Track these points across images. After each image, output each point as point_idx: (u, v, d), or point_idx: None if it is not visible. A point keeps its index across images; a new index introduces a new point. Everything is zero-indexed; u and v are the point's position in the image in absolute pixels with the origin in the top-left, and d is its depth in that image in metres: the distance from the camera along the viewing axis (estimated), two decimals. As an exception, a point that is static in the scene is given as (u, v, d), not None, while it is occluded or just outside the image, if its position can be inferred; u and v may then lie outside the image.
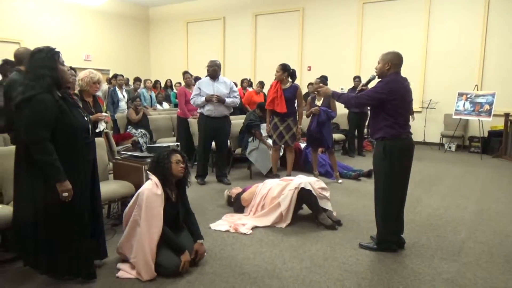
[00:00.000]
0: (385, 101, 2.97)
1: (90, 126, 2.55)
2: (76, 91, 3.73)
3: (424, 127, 8.88)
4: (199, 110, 5.27)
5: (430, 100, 8.77)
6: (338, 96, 3.32)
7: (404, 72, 3.17)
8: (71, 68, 3.86)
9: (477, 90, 8.14)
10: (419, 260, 3.02)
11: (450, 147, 8.50)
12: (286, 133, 5.24)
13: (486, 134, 8.10)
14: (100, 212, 2.80)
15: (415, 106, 8.62)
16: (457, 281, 2.71)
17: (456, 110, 8.10)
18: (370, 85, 3.34)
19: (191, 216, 3.04)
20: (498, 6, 8.17)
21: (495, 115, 7.61)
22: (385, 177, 3.06)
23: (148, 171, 2.89)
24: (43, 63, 2.31)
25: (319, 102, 5.43)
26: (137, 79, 8.75)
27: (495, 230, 3.70)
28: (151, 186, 2.75)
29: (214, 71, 5.10)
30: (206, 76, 5.27)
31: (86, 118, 2.53)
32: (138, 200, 2.75)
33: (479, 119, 7.81)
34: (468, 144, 8.49)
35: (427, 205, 4.48)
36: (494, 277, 2.77)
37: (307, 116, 5.48)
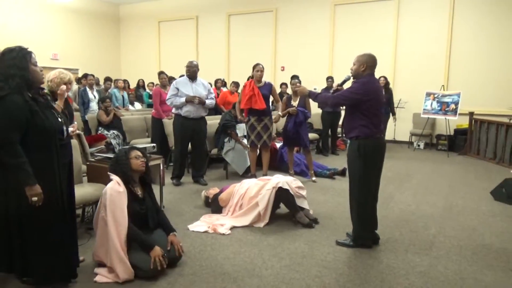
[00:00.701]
0: (361, 102, 3.05)
1: (64, 128, 2.48)
2: (47, 91, 3.59)
3: (394, 125, 9.14)
4: (175, 111, 5.20)
5: (400, 99, 9.05)
6: (315, 96, 3.39)
7: (375, 73, 3.26)
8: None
9: (444, 90, 8.47)
10: (393, 255, 3.13)
11: (419, 145, 8.80)
12: (264, 133, 5.29)
13: (452, 132, 8.45)
14: (75, 215, 2.74)
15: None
16: (429, 274, 2.83)
17: (424, 109, 8.40)
18: (345, 86, 3.42)
19: (159, 212, 3.06)
20: (462, 12, 8.55)
21: (460, 114, 7.95)
22: (359, 176, 3.14)
23: (108, 172, 2.87)
24: (13, 63, 2.23)
25: (295, 103, 5.50)
26: (108, 79, 8.54)
27: (463, 224, 3.88)
28: (113, 185, 2.76)
29: (194, 72, 5.13)
30: (181, 76, 5.23)
31: (60, 119, 2.46)
32: (103, 200, 2.75)
33: (445, 118, 8.13)
34: (435, 142, 8.82)
35: (399, 201, 4.63)
36: (463, 269, 2.91)
37: (282, 116, 5.54)
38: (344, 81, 3.42)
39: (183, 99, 4.99)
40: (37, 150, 2.26)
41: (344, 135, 3.29)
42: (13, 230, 2.31)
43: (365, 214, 3.20)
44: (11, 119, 2.16)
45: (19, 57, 2.26)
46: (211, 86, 8.70)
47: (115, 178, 2.80)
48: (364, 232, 3.24)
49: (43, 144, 2.29)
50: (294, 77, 5.81)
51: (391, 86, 9.17)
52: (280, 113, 5.46)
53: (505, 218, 4.08)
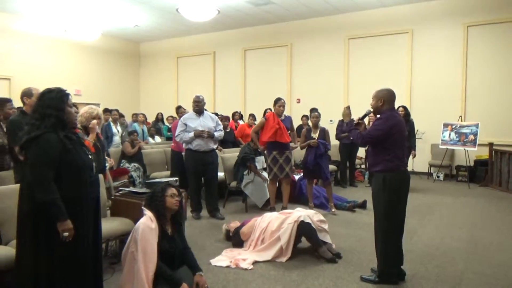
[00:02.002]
0: (385, 137, 3.10)
1: (94, 164, 2.57)
2: (79, 127, 3.75)
3: (412, 157, 9.06)
4: (185, 146, 5.26)
5: (417, 130, 8.99)
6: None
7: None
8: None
9: (461, 121, 8.43)
10: (421, 292, 3.05)
11: (438, 176, 8.68)
12: (286, 165, 5.35)
13: (472, 163, 8.32)
14: (101, 251, 2.78)
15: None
16: (460, 312, 2.74)
17: (442, 140, 8.33)
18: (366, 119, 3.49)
19: (188, 250, 3.05)
20: (476, 42, 8.63)
21: (479, 145, 7.86)
22: (384, 210, 3.13)
23: (143, 207, 2.91)
24: (50, 103, 2.36)
25: (315, 135, 5.55)
26: (120, 115, 8.79)
27: (490, 259, 3.77)
28: (146, 220, 2.78)
29: (202, 107, 5.22)
30: (185, 112, 5.37)
31: (90, 157, 2.55)
32: (134, 235, 2.77)
33: (464, 149, 8.04)
34: (455, 173, 8.68)
35: (422, 235, 4.54)
36: (495, 308, 2.81)
37: (302, 148, 5.60)
38: (365, 115, 3.48)
39: (191, 134, 5.05)
40: (69, 186, 2.34)
41: (368, 169, 3.28)
42: (41, 265, 2.33)
43: (390, 249, 3.15)
44: (46, 158, 2.26)
45: (57, 98, 2.39)
46: (228, 119, 8.90)
47: (148, 213, 2.83)
48: (390, 268, 3.18)
49: (75, 180, 2.37)
50: (314, 110, 5.92)
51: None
52: (295, 145, 5.55)
53: (534, 253, 3.95)
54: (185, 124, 5.13)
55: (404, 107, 7.28)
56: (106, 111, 8.15)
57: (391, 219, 3.12)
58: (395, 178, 3.10)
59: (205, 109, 5.47)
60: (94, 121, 3.49)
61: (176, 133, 5.23)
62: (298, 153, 7.18)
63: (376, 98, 3.22)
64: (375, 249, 3.26)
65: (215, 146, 5.35)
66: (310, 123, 5.90)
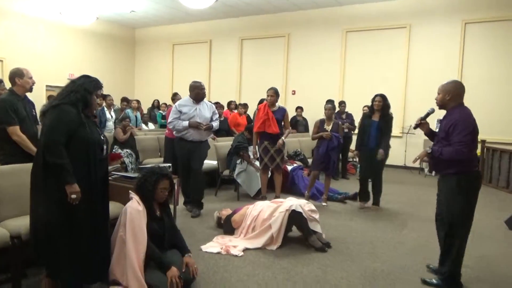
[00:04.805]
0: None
1: (105, 146, 2.65)
2: None
3: (404, 151, 9.15)
4: (176, 134, 4.80)
5: (410, 125, 9.04)
6: (440, 153, 2.96)
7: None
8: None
9: (455, 117, 8.47)
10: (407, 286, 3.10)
11: (430, 172, 8.74)
12: (277, 156, 5.33)
13: (463, 160, 8.38)
14: (107, 230, 2.78)
15: (395, 131, 8.81)
16: None
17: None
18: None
19: (177, 232, 3.07)
20: (473, 39, 8.68)
21: (472, 142, 7.91)
22: (463, 213, 2.93)
23: (130, 191, 2.91)
24: (82, 83, 2.58)
25: (328, 127, 5.45)
26: (124, 99, 8.71)
27: (479, 254, 3.79)
28: (132, 203, 2.80)
29: (204, 94, 4.78)
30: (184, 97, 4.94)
31: (102, 137, 2.65)
32: (122, 219, 2.78)
33: (457, 145, 8.09)
34: (447, 169, 8.74)
35: (411, 229, 4.58)
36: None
37: (313, 139, 5.57)
38: (428, 114, 3.26)
39: (186, 123, 4.59)
40: (79, 159, 2.46)
41: (433, 172, 2.93)
42: (53, 234, 2.43)
43: (463, 251, 3.05)
44: (61, 124, 2.41)
45: (91, 83, 2.62)
46: (223, 108, 8.85)
47: (135, 197, 2.84)
48: (459, 268, 3.07)
49: (85, 154, 2.49)
50: (329, 101, 5.82)
51: (402, 111, 9.26)
52: (284, 138, 5.29)
53: (521, 248, 4.02)
54: (180, 112, 4.68)
55: (382, 97, 5.29)
56: (105, 96, 8.06)
57: (470, 220, 2.97)
58: (470, 180, 2.91)
59: None
60: None
61: (169, 120, 4.76)
62: (291, 144, 7.20)
63: (443, 91, 3.01)
64: (447, 251, 3.11)
65: (207, 137, 4.96)
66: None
